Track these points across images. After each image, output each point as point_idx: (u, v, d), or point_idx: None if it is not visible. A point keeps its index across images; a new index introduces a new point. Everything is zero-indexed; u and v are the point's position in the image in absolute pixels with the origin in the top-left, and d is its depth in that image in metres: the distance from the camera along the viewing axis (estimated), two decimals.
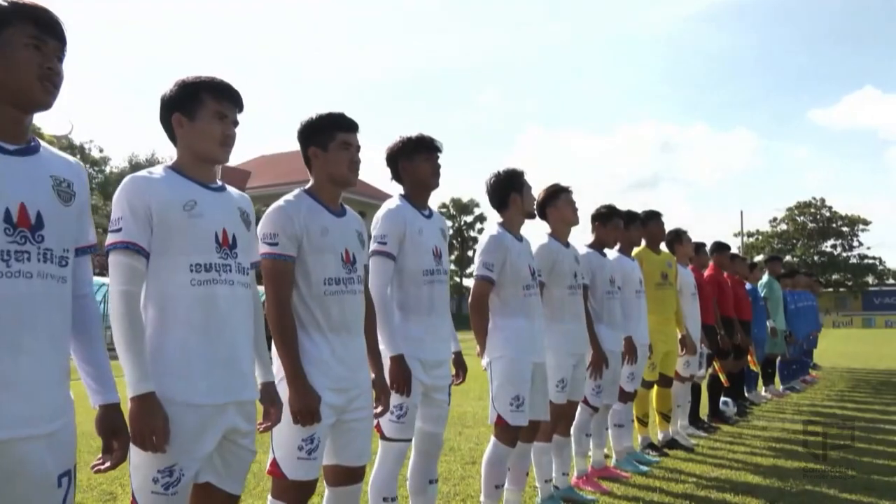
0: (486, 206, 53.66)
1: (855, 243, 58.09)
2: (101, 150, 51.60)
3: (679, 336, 6.31)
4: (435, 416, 3.30)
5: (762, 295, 9.77)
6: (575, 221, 4.50)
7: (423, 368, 3.18)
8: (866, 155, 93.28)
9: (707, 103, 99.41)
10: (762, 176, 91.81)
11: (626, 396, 5.46)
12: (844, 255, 58.31)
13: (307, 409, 2.52)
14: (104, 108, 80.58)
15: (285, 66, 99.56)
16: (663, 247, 6.38)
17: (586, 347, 4.56)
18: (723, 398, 7.94)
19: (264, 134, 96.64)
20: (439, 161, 3.33)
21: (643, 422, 6.06)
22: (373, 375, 2.88)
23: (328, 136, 2.72)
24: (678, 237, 6.76)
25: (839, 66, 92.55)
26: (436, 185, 3.32)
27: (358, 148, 2.76)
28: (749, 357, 8.82)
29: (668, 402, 6.34)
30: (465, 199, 55.02)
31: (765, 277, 10.31)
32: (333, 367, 2.62)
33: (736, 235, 51.32)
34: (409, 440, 3.22)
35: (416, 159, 3.28)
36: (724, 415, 7.76)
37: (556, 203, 4.47)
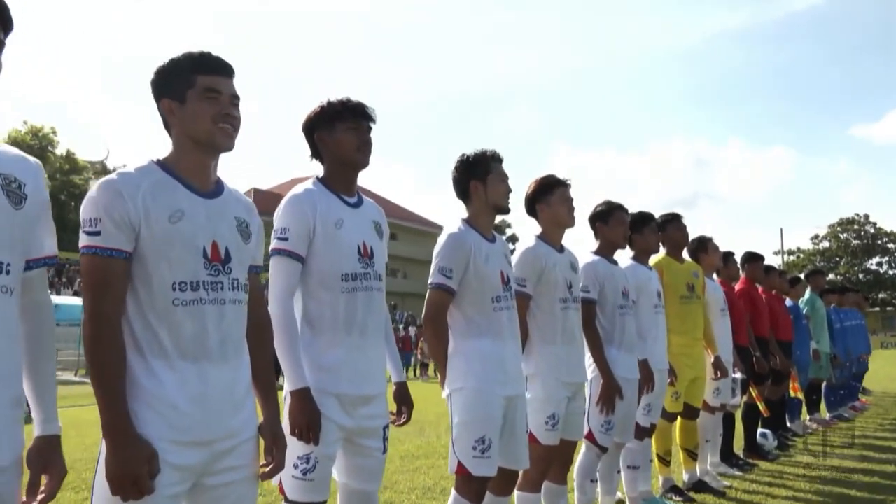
0: (517, 227, 53.07)
1: None
2: None
3: (710, 359, 5.41)
4: (363, 469, 2.50)
5: (804, 313, 8.76)
6: (569, 223, 3.68)
7: (341, 406, 2.39)
8: None
9: (741, 120, 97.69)
10: (802, 193, 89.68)
11: (642, 432, 4.58)
12: (891, 272, 56.19)
13: (127, 476, 1.73)
14: (137, 132, 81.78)
15: (316, 89, 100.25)
16: (686, 255, 5.51)
17: (584, 375, 3.72)
18: (761, 430, 6.96)
19: (297, 156, 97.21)
20: (370, 134, 2.55)
21: (665, 461, 5.16)
22: (261, 418, 2.09)
23: (185, 81, 1.95)
24: (703, 245, 5.87)
25: (881, 80, 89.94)
26: (363, 164, 2.54)
27: (232, 97, 1.98)
28: (791, 382, 7.83)
29: (695, 436, 5.42)
30: (496, 220, 54.06)
31: (807, 294, 9.30)
32: (182, 408, 1.84)
33: (776, 254, 49.77)
34: (323, 503, 2.41)
35: (336, 129, 2.51)
36: (762, 449, 6.77)
37: (549, 199, 3.67)
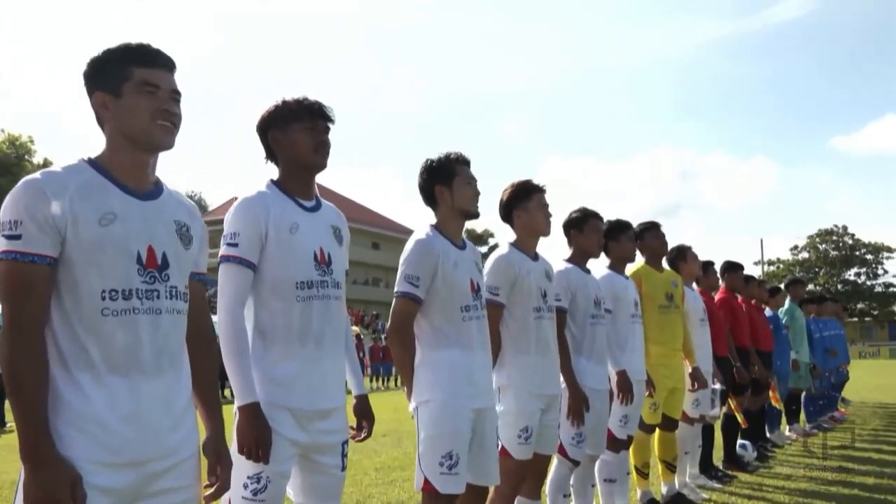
0: (500, 237, 53.10)
1: (880, 271, 56.63)
2: None
3: (688, 370, 5.32)
4: (320, 487, 2.36)
5: (783, 323, 8.71)
6: (545, 231, 3.57)
7: (295, 421, 2.25)
8: (890, 182, 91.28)
9: (725, 130, 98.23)
10: (783, 204, 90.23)
11: (618, 445, 4.47)
12: (869, 283, 56.77)
13: (48, 501, 1.58)
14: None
15: (305, 91, 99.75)
16: (665, 264, 5.42)
17: (558, 387, 3.60)
18: (740, 441, 6.87)
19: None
20: (327, 135, 2.42)
21: (643, 473, 5.05)
22: (204, 436, 1.96)
23: (122, 73, 1.81)
24: (682, 254, 5.78)
25: (862, 93, 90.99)
26: (320, 166, 2.41)
27: (172, 92, 1.85)
28: (771, 393, 7.77)
29: (674, 448, 5.32)
30: (479, 230, 53.97)
31: (786, 303, 9.27)
32: (111, 426, 1.69)
33: (756, 264, 50.15)
34: None
35: (291, 129, 2.39)
36: (741, 460, 6.69)
37: (527, 205, 3.56)
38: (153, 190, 1.88)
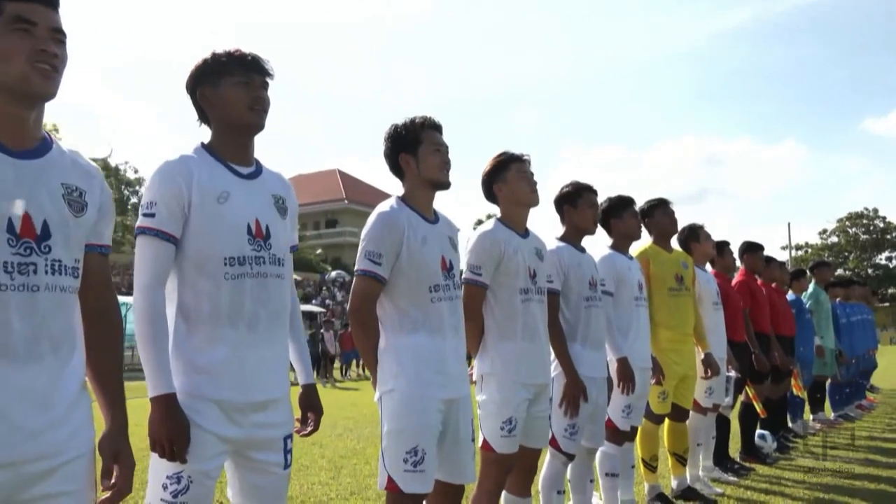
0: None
1: None
2: (136, 171, 52.20)
3: (700, 356, 4.98)
4: (259, 488, 2.09)
5: (807, 307, 8.30)
6: (529, 199, 3.25)
7: (223, 414, 1.98)
8: None
9: (750, 117, 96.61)
10: (813, 188, 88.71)
11: (620, 436, 4.16)
12: None
13: None
14: (139, 130, 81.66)
15: (320, 89, 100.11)
16: (675, 244, 5.08)
17: (547, 376, 3.30)
18: (759, 431, 6.52)
19: (298, 154, 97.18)
20: (265, 91, 2.13)
21: (651, 466, 4.73)
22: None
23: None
24: (694, 233, 5.42)
25: (892, 74, 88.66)
26: (256, 125, 2.11)
27: (53, 30, 1.56)
28: (793, 381, 7.39)
29: (685, 439, 4.99)
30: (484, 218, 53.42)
31: (811, 287, 8.83)
32: None
33: (784, 248, 49.06)
34: None
35: (222, 85, 2.10)
36: (760, 452, 6.33)
37: (506, 176, 3.25)
38: (36, 148, 1.61)
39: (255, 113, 2.09)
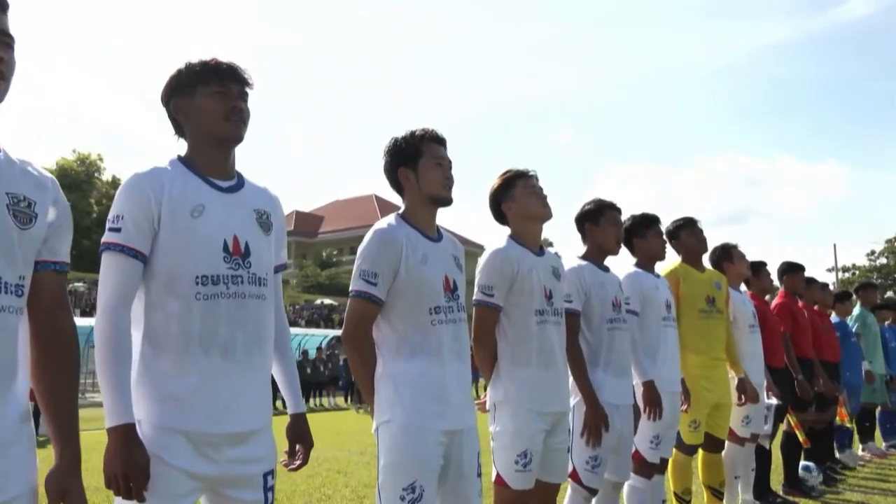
0: (559, 245, 52.46)
1: None
2: None
3: (735, 381, 4.70)
4: None
5: (854, 330, 7.89)
6: (540, 213, 3.08)
7: (193, 448, 1.82)
8: None
9: (791, 134, 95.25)
10: (859, 207, 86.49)
11: (649, 469, 3.90)
12: None
13: None
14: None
15: (359, 111, 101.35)
16: (707, 263, 4.82)
17: (565, 404, 3.09)
18: (803, 462, 6.15)
19: (337, 179, 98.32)
20: (243, 101, 1.99)
21: (684, 501, 4.44)
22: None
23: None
24: (727, 253, 5.16)
25: None
26: (233, 138, 1.97)
27: None
28: (839, 408, 7.00)
29: (720, 471, 4.69)
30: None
31: (856, 309, 8.42)
32: None
33: (829, 271, 47.65)
34: None
35: (197, 95, 1.97)
36: (804, 484, 5.96)
37: (513, 194, 3.09)
38: None
39: (231, 124, 1.95)
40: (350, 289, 2.44)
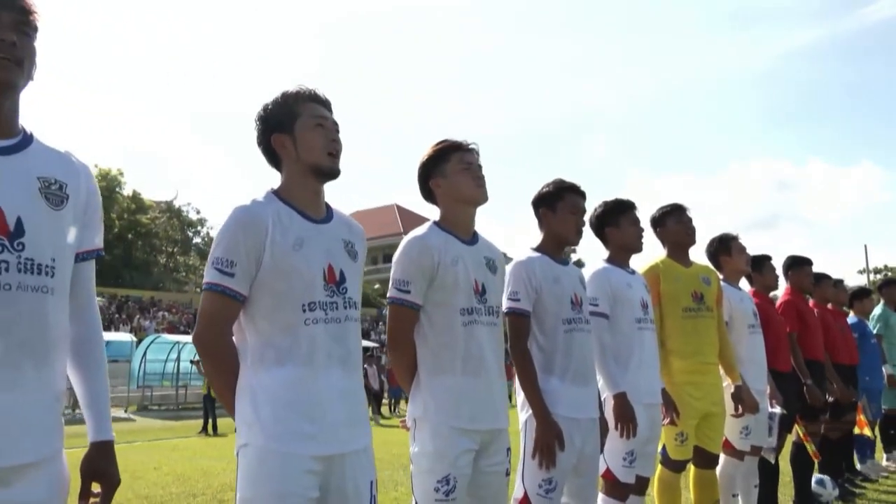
0: (581, 253, 51.94)
1: None
2: (198, 212, 53.60)
3: (731, 388, 4.19)
4: None
5: (874, 331, 7.30)
6: (476, 196, 2.67)
7: None
8: None
9: (822, 139, 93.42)
10: (891, 210, 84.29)
11: (621, 490, 3.42)
12: None
13: None
14: (200, 170, 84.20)
15: (384, 123, 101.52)
16: (697, 258, 4.32)
17: (500, 419, 2.61)
18: (816, 476, 5.60)
19: (359, 189, 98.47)
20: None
21: None
22: None
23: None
24: (725, 245, 4.66)
25: None
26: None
27: None
28: (858, 416, 6.43)
29: (714, 490, 4.17)
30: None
31: (878, 308, 7.80)
32: None
33: (861, 272, 46.34)
34: None
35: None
36: (818, 500, 5.42)
37: (444, 169, 2.67)
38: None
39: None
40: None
